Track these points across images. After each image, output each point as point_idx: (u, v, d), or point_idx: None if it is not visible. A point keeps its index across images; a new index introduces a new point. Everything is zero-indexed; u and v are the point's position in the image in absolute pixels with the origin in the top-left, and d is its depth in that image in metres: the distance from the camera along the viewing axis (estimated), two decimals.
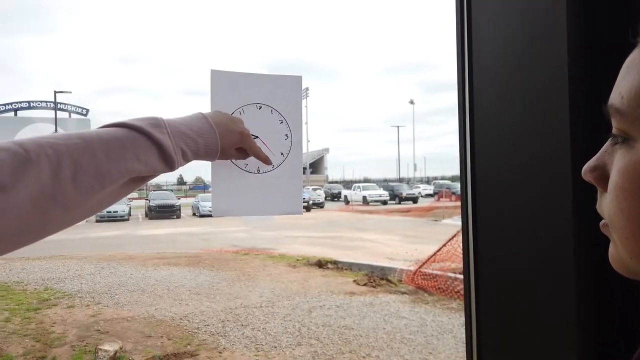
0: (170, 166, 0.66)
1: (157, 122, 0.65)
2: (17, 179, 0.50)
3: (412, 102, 64.85)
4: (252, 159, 0.86)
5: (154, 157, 0.63)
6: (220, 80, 0.86)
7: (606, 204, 0.36)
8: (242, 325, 5.85)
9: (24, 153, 0.52)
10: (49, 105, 36.56)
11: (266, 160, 0.85)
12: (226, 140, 0.75)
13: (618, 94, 0.34)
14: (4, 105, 36.75)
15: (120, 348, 4.99)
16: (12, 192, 0.49)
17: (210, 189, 0.88)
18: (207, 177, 0.91)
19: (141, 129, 0.63)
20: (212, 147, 0.72)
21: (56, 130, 33.97)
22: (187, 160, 0.70)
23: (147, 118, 0.66)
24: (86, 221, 25.16)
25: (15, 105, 36.83)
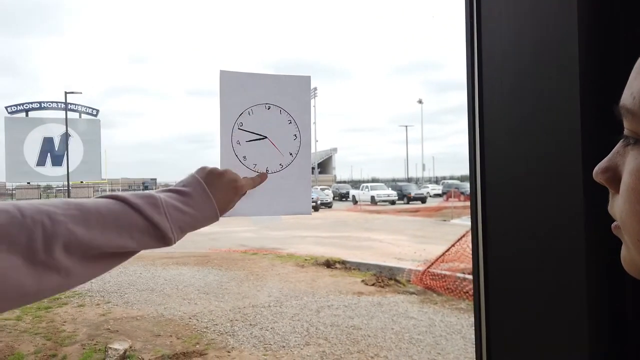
0: (165, 244, 0.68)
1: (154, 202, 0.67)
2: (10, 242, 0.52)
3: (420, 102, 64.65)
4: (260, 159, 0.87)
5: (148, 237, 0.65)
6: (230, 80, 0.87)
7: (618, 206, 0.36)
8: (251, 324, 5.87)
9: (20, 217, 0.54)
10: (59, 106, 36.86)
11: (262, 179, 0.86)
12: (222, 200, 0.76)
13: (630, 95, 0.33)
14: (16, 106, 37.12)
15: (130, 347, 5.02)
16: (4, 255, 0.51)
17: None
18: None
19: (139, 208, 0.64)
20: (211, 215, 0.74)
21: (67, 130, 34.27)
22: (184, 233, 0.72)
23: (146, 196, 0.67)
24: None
25: (26, 106, 37.19)
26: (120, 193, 0.67)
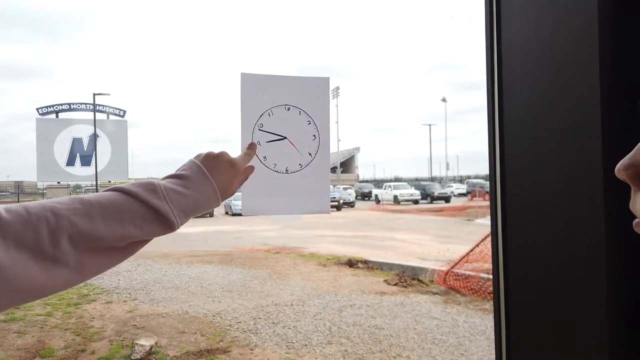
0: (170, 228, 0.69)
1: (153, 188, 0.68)
2: (18, 239, 0.55)
3: (444, 100, 63.92)
4: (280, 159, 0.88)
5: (150, 223, 0.66)
6: (250, 82, 0.88)
7: None
8: (273, 323, 5.91)
9: (25, 215, 0.57)
10: (88, 107, 37.78)
11: (251, 148, 0.87)
12: (223, 181, 0.78)
13: None
14: (46, 107, 38.20)
15: (156, 343, 5.12)
16: (13, 252, 0.54)
17: (241, 188, 0.90)
18: None
19: (137, 196, 0.66)
20: (211, 197, 0.75)
21: (95, 130, 35.08)
22: (189, 217, 0.73)
23: (144, 184, 0.69)
24: None
25: (56, 108, 38.23)
26: (121, 185, 0.68)
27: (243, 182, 0.85)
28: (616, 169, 0.38)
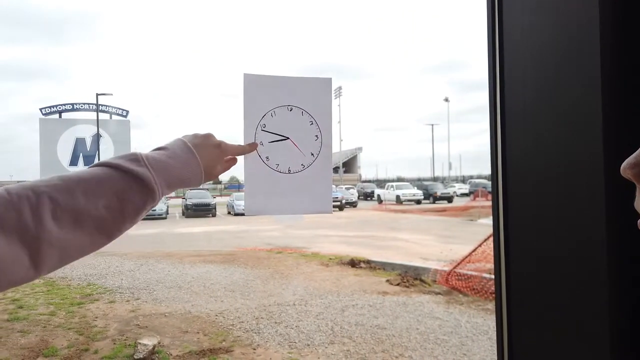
0: (152, 197, 0.68)
1: (135, 157, 0.68)
2: (2, 221, 0.54)
3: (447, 100, 63.87)
4: (282, 159, 0.89)
5: (131, 191, 0.65)
6: (253, 83, 0.89)
7: None
8: (276, 322, 5.92)
9: (7, 196, 0.56)
10: (91, 107, 37.90)
11: (251, 149, 0.88)
12: (207, 159, 0.77)
13: None
14: (50, 107, 38.32)
15: (159, 342, 5.14)
16: None
17: (244, 188, 0.91)
18: (242, 177, 0.94)
19: (118, 166, 0.65)
20: (195, 169, 0.75)
21: (98, 130, 35.17)
22: (172, 188, 0.72)
23: (126, 155, 0.68)
24: None
25: (59, 108, 38.36)
26: (102, 160, 0.68)
27: (227, 169, 0.85)
28: (622, 167, 0.38)
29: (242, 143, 0.89)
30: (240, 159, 0.89)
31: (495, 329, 0.85)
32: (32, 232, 0.56)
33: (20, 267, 0.55)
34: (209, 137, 0.80)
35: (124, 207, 0.64)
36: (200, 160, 0.75)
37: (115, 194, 0.63)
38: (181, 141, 0.76)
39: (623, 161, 0.38)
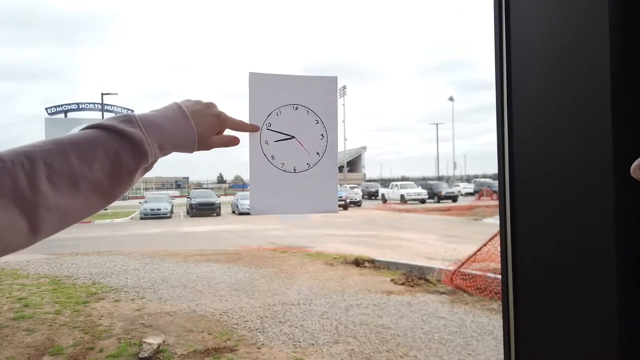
0: (144, 157, 0.66)
1: (128, 118, 0.67)
2: None
3: (451, 99, 63.68)
4: (288, 158, 0.88)
5: (124, 152, 0.64)
6: (258, 82, 0.89)
7: None
8: (280, 322, 5.92)
9: (0, 164, 0.55)
10: (96, 107, 38.05)
11: (253, 129, 0.85)
12: (203, 126, 0.75)
13: None
14: (55, 107, 38.50)
15: (163, 341, 5.15)
16: None
17: (249, 188, 0.90)
18: (246, 176, 0.94)
19: (111, 127, 0.65)
20: (188, 134, 0.73)
21: None
22: (164, 150, 0.70)
23: (120, 115, 0.68)
24: (130, 218, 26.04)
25: (65, 107, 38.54)
26: (97, 121, 0.67)
27: (224, 143, 0.81)
28: (632, 168, 0.38)
29: (247, 143, 0.88)
30: (246, 159, 0.88)
31: (500, 328, 0.85)
32: (28, 198, 0.55)
33: (20, 233, 0.55)
34: (210, 105, 0.78)
35: (117, 169, 0.64)
36: (196, 128, 0.74)
37: (108, 156, 0.63)
38: (177, 105, 0.75)
39: (633, 161, 0.37)
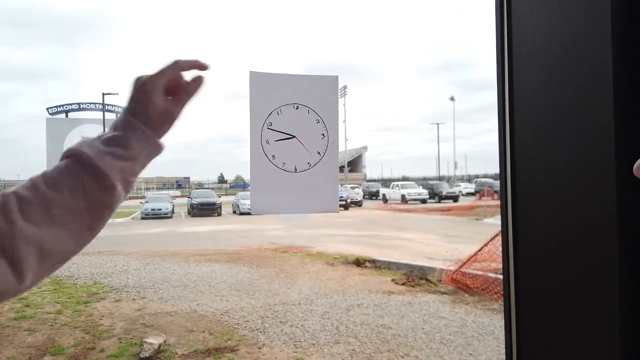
0: (111, 195, 0.64)
1: (87, 143, 0.65)
2: None
3: (452, 99, 63.66)
4: (288, 157, 0.88)
5: (92, 182, 0.62)
6: (259, 81, 0.88)
7: None
8: (281, 322, 5.92)
9: None
10: (97, 107, 38.08)
11: (203, 66, 0.73)
12: (152, 122, 0.69)
13: None
14: (56, 107, 38.55)
15: (164, 341, 5.15)
16: None
17: (249, 187, 0.90)
18: (247, 176, 0.94)
19: (79, 152, 0.63)
20: (153, 152, 0.69)
21: (104, 129, 35.27)
22: (135, 175, 0.68)
23: (90, 140, 0.66)
24: (131, 218, 26.04)
25: (66, 107, 38.59)
26: (71, 147, 0.65)
27: (181, 100, 0.71)
28: (635, 167, 0.37)
29: (248, 142, 0.88)
30: (247, 158, 0.88)
31: (501, 328, 0.84)
32: (3, 231, 0.55)
33: (1, 275, 0.54)
34: (135, 82, 0.71)
35: (89, 195, 0.62)
36: (155, 136, 0.68)
37: (75, 179, 0.61)
38: (130, 124, 0.68)
39: (634, 161, 0.37)
